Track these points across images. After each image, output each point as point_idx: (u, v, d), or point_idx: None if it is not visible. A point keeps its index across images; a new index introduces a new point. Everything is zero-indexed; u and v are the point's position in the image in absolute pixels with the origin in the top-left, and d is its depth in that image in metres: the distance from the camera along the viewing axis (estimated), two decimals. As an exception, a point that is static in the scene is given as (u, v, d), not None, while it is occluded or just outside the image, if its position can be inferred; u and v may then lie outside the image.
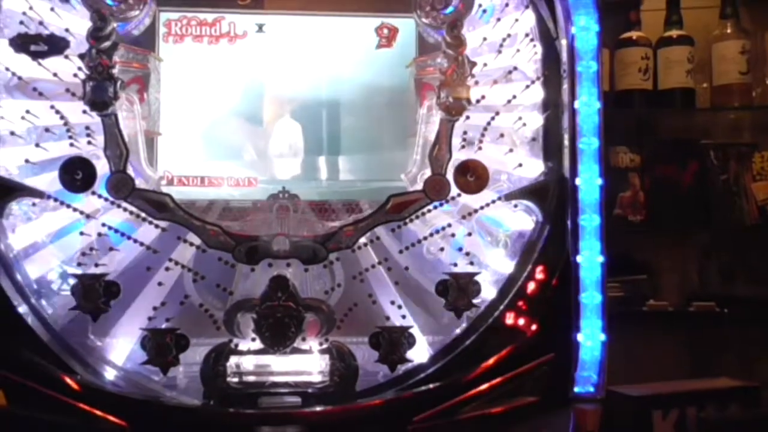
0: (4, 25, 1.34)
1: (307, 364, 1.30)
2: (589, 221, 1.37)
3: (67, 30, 1.33)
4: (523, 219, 1.40)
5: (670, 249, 2.15)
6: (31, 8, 1.32)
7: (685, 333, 2.07)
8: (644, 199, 2.04)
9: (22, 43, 1.30)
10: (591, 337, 1.37)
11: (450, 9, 1.34)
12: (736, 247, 2.15)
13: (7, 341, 1.27)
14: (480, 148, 1.37)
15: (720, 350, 2.06)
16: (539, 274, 1.36)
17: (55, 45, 1.31)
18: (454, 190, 1.34)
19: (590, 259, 1.37)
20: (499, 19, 1.39)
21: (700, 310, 1.99)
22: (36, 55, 1.30)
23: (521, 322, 1.35)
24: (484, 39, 1.39)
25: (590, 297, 1.37)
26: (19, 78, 1.33)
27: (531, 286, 1.36)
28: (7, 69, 1.33)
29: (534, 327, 1.35)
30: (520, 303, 1.35)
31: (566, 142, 1.38)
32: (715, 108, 2.10)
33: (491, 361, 1.33)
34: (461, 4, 1.34)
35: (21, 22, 1.32)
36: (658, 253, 2.13)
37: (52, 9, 1.33)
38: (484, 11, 1.40)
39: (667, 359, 2.04)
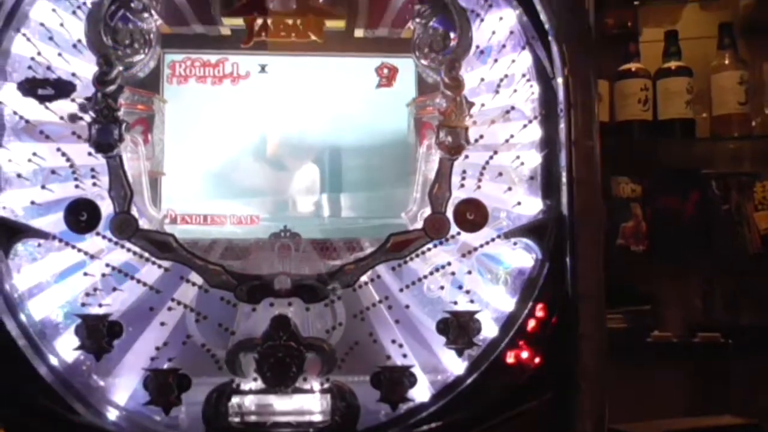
0: (13, 69, 1.37)
1: (308, 403, 1.30)
2: (589, 258, 1.38)
3: (73, 74, 1.36)
4: (522, 256, 1.40)
5: (672, 279, 2.15)
6: (39, 53, 1.36)
7: (689, 364, 2.06)
8: (646, 230, 2.05)
9: (30, 87, 1.33)
10: (592, 375, 1.37)
11: (448, 51, 1.36)
12: (739, 276, 2.15)
13: (10, 380, 1.28)
14: (479, 187, 1.38)
15: (725, 381, 2.05)
16: (539, 312, 1.36)
17: (62, 89, 1.34)
18: (454, 229, 1.35)
19: (590, 296, 1.38)
20: (496, 60, 1.41)
21: (705, 341, 1.99)
22: (43, 99, 1.33)
23: (522, 359, 1.35)
24: (482, 79, 1.40)
25: (591, 334, 1.37)
26: (27, 121, 1.35)
27: (531, 324, 1.36)
28: (15, 113, 1.35)
29: (535, 365, 1.35)
30: (521, 341, 1.35)
31: (564, 180, 1.39)
32: (715, 138, 2.12)
33: (492, 399, 1.33)
34: (459, 45, 1.36)
35: (29, 67, 1.36)
36: (661, 284, 2.13)
37: (59, 54, 1.37)
38: (482, 52, 1.42)
39: (672, 390, 2.02)
